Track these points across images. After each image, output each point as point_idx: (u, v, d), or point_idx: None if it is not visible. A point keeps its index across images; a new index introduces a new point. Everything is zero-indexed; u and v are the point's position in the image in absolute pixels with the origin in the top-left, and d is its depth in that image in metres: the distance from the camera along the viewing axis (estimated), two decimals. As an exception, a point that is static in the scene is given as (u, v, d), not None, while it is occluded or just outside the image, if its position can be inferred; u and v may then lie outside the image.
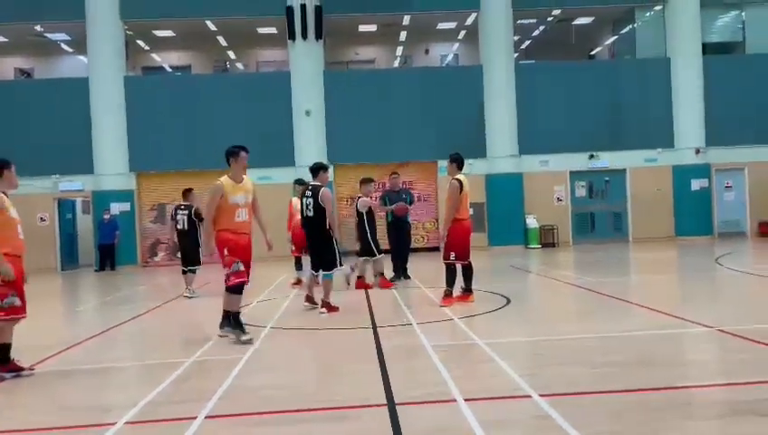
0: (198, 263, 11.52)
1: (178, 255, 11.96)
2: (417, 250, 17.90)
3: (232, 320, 6.89)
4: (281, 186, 19.15)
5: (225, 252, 6.91)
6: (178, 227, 11.48)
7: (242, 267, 6.92)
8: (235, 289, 6.91)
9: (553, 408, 4.15)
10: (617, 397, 4.44)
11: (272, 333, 7.45)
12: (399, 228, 12.02)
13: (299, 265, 12.19)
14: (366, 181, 11.24)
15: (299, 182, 12.15)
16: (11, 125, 19.23)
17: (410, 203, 12.11)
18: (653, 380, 4.83)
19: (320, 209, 8.59)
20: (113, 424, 4.28)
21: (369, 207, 10.99)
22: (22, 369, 5.82)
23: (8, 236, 5.70)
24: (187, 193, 11.82)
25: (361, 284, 11.09)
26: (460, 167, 8.77)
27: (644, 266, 14.15)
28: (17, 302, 5.75)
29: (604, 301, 8.77)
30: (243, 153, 7.41)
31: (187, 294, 11.39)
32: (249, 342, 6.75)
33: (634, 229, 20.58)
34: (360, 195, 11.15)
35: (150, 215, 20.30)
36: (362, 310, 8.76)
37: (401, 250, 12.15)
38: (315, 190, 8.70)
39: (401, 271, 12.07)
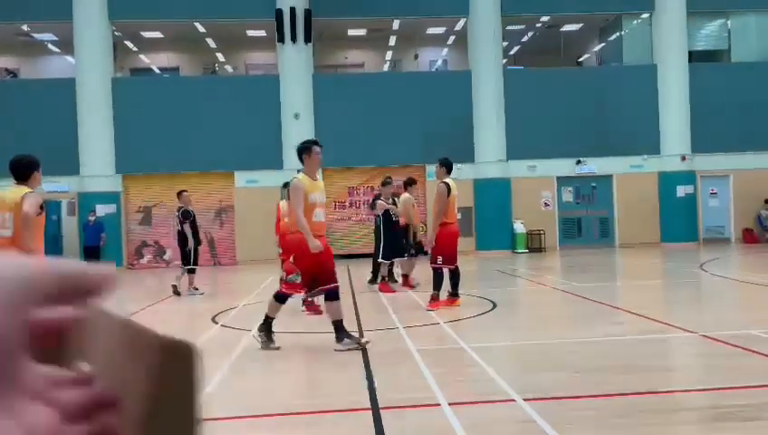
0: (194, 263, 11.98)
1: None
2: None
3: (265, 325, 6.53)
4: (268, 189, 19.12)
5: (292, 258, 6.44)
6: (199, 226, 12.24)
7: (299, 280, 6.39)
8: (283, 298, 6.54)
9: (537, 412, 4.15)
10: (600, 401, 4.46)
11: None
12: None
13: None
14: (386, 183, 11.37)
15: (287, 186, 12.12)
16: (-4, 125, 19.05)
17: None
18: (636, 384, 4.85)
19: None
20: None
21: (387, 210, 11.05)
22: None
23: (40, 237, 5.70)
24: (179, 195, 12.23)
25: (386, 288, 10.91)
26: (449, 171, 8.79)
27: (630, 272, 14.24)
28: None
29: (590, 306, 8.80)
30: (316, 148, 6.60)
31: (192, 293, 11.81)
32: (275, 348, 6.44)
33: (620, 235, 20.72)
34: (377, 193, 11.45)
35: (136, 217, 20.16)
36: (348, 314, 8.73)
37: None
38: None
39: (388, 275, 12.03)
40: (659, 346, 6.22)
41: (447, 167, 8.79)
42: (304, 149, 6.64)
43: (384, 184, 11.43)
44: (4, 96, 19.84)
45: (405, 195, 11.55)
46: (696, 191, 20.63)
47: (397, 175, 20.44)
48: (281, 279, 6.51)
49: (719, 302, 9.44)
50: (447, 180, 8.64)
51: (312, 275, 6.35)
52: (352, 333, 6.53)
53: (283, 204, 12.06)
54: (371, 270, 12.04)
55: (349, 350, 6.24)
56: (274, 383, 5.39)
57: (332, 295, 6.38)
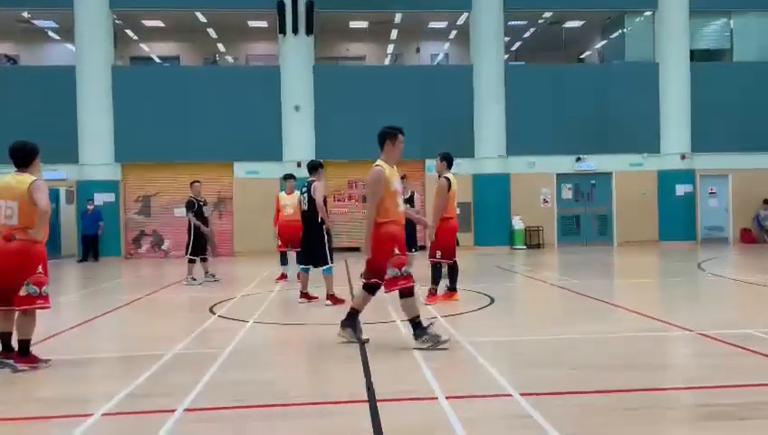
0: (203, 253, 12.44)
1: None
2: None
3: (416, 325, 6.01)
4: (268, 181, 19.12)
5: (396, 250, 5.95)
6: (205, 216, 12.34)
7: (401, 273, 5.94)
8: (410, 292, 6.00)
9: (533, 407, 4.16)
10: (596, 398, 4.47)
11: (254, 328, 7.42)
12: None
13: (284, 260, 12.19)
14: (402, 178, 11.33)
15: (288, 177, 12.19)
16: (-5, 112, 18.98)
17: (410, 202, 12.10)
18: (632, 381, 4.86)
19: (314, 203, 8.71)
20: (90, 416, 4.24)
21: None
22: (39, 361, 5.60)
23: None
24: (200, 184, 12.65)
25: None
26: (450, 165, 8.79)
27: (628, 270, 14.26)
28: (49, 291, 5.70)
29: (587, 303, 8.82)
30: (401, 135, 6.32)
31: (209, 279, 12.15)
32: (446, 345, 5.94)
33: (619, 233, 20.74)
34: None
35: (135, 206, 20.14)
36: (346, 306, 8.74)
37: None
38: (309, 184, 8.94)
39: None
40: (656, 344, 6.23)
41: (449, 161, 8.78)
42: (388, 135, 6.25)
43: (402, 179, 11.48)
44: (4, 83, 19.77)
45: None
46: (696, 190, 20.65)
47: (397, 170, 20.46)
48: (391, 277, 5.90)
49: (717, 301, 9.46)
50: (448, 175, 8.64)
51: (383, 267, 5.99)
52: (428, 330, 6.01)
53: (282, 195, 12.09)
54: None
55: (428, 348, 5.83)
56: (271, 375, 5.39)
57: (411, 292, 6.02)
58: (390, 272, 5.94)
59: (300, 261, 9.13)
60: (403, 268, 5.96)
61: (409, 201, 11.06)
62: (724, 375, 5.01)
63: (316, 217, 8.79)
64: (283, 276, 12.04)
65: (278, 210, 12.04)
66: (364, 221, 6.92)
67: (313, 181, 8.94)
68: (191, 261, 12.15)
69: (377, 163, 6.24)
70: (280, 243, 12.08)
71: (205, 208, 12.43)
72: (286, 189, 12.02)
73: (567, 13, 22.05)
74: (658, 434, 3.81)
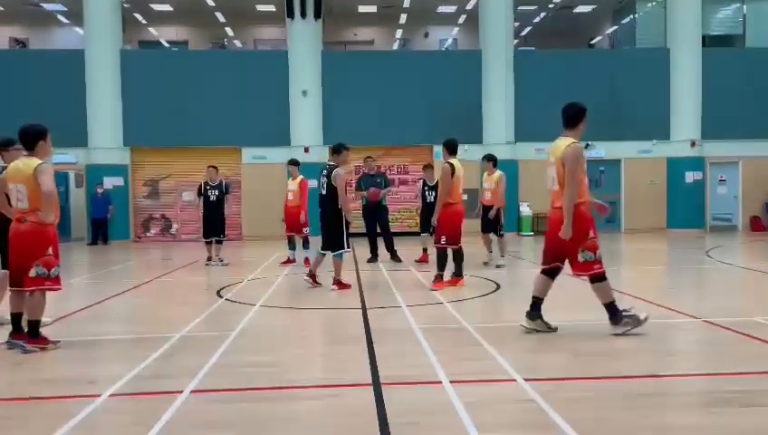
0: (224, 233, 12.59)
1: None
2: (409, 234, 17.91)
3: (612, 310, 5.89)
4: (275, 166, 19.12)
5: (591, 233, 5.81)
6: (211, 200, 12.34)
7: (595, 257, 5.79)
8: (603, 276, 5.86)
9: (538, 392, 4.18)
10: (602, 383, 4.48)
11: (261, 311, 7.47)
12: (373, 213, 12.38)
13: (292, 245, 12.24)
14: (427, 167, 12.28)
15: (292, 163, 12.23)
16: (3, 95, 19.04)
17: (385, 186, 12.34)
18: (638, 368, 4.87)
19: (332, 188, 8.65)
20: (97, 396, 4.29)
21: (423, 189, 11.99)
22: (48, 342, 5.67)
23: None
24: (213, 169, 12.60)
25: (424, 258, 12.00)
26: (453, 151, 8.78)
27: (635, 257, 14.22)
28: (59, 273, 5.75)
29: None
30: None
31: (215, 263, 12.23)
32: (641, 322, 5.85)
33: (627, 220, 20.65)
34: (421, 178, 12.37)
35: (144, 190, 20.22)
36: (353, 291, 8.78)
37: (384, 234, 12.42)
38: (330, 169, 8.83)
39: (391, 254, 12.26)
40: (661, 331, 6.23)
41: (449, 148, 8.78)
42: (585, 112, 6.21)
43: (426, 168, 12.36)
44: (14, 66, 19.81)
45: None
46: (705, 178, 20.50)
47: (405, 155, 20.47)
48: (585, 261, 5.76)
49: (724, 288, 9.43)
50: (452, 160, 8.64)
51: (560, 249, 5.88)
52: (626, 312, 5.85)
53: (289, 181, 12.13)
54: (369, 250, 12.47)
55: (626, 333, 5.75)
56: (277, 358, 5.44)
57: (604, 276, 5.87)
58: (583, 256, 5.74)
59: (323, 246, 9.05)
60: (597, 252, 5.78)
61: (435, 189, 11.22)
62: (729, 362, 5.00)
63: (334, 201, 8.70)
64: (289, 261, 12.09)
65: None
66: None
67: (334, 167, 8.78)
68: (208, 243, 12.41)
69: (571, 141, 5.96)
70: (286, 227, 12.18)
71: (210, 192, 12.41)
72: (292, 175, 12.07)
73: (577, -3, 21.83)
74: (662, 421, 3.82)
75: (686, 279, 10.53)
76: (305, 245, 12.16)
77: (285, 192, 12.24)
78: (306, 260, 11.58)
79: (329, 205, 8.76)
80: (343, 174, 8.81)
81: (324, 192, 8.80)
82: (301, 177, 12.01)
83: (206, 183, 12.50)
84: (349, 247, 8.87)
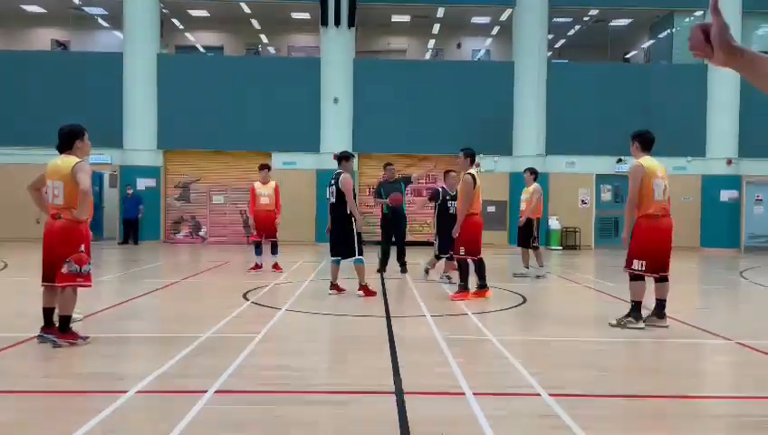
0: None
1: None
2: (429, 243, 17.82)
3: (633, 307, 6.98)
4: (305, 172, 19.29)
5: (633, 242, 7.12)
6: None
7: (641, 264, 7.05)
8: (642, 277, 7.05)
9: (561, 408, 4.12)
10: (626, 401, 4.40)
11: (286, 315, 7.51)
12: (393, 223, 11.67)
13: (258, 251, 12.05)
14: (449, 172, 10.90)
15: (263, 167, 12.14)
16: (45, 96, 19.55)
17: (403, 191, 11.94)
18: (664, 387, 4.77)
19: (341, 196, 8.69)
20: (125, 392, 4.36)
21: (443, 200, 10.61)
22: (78, 337, 5.77)
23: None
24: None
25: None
26: (473, 162, 8.77)
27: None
28: (90, 270, 5.87)
29: (622, 306, 8.65)
30: None
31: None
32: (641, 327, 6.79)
33: (658, 237, 20.25)
34: (442, 186, 10.84)
35: (175, 192, 20.54)
36: (377, 299, 8.78)
37: (399, 241, 11.74)
38: (337, 177, 8.84)
39: (400, 264, 11.73)
40: (692, 351, 6.10)
41: (472, 158, 8.76)
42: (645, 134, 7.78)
43: (447, 173, 10.98)
44: (54, 67, 20.33)
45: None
46: (741, 197, 20.05)
47: (434, 164, 20.45)
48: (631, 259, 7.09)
49: (758, 310, 9.19)
50: (472, 171, 8.64)
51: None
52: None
53: (257, 185, 11.96)
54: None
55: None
56: (301, 362, 5.46)
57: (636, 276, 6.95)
58: (637, 264, 6.90)
59: (331, 253, 9.12)
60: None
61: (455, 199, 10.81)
62: (762, 386, 4.87)
63: (344, 209, 8.75)
64: (257, 266, 12.02)
65: (253, 200, 12.08)
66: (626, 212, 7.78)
67: (341, 173, 8.83)
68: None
69: (641, 158, 7.44)
70: (255, 232, 12.14)
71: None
72: (261, 179, 12.07)
73: (613, 11, 21.59)
74: (689, 442, 3.73)
75: (719, 299, 10.29)
76: (274, 250, 12.08)
77: (252, 197, 12.07)
78: (275, 265, 11.81)
79: (339, 212, 8.80)
80: (350, 180, 8.81)
81: (333, 200, 8.83)
82: (273, 182, 12.16)
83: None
84: (362, 254, 8.81)
